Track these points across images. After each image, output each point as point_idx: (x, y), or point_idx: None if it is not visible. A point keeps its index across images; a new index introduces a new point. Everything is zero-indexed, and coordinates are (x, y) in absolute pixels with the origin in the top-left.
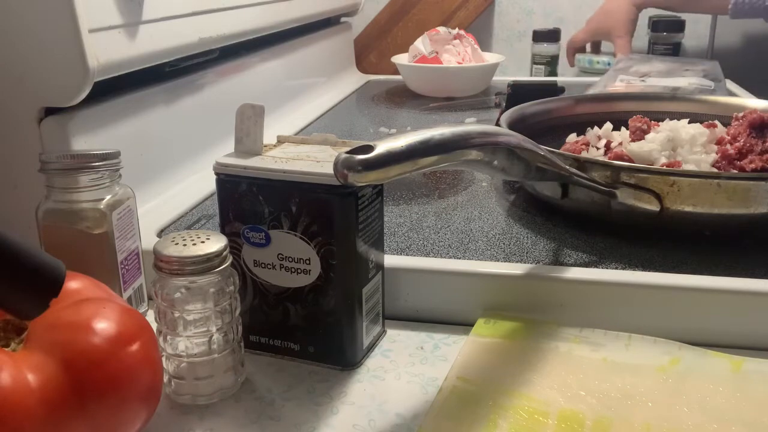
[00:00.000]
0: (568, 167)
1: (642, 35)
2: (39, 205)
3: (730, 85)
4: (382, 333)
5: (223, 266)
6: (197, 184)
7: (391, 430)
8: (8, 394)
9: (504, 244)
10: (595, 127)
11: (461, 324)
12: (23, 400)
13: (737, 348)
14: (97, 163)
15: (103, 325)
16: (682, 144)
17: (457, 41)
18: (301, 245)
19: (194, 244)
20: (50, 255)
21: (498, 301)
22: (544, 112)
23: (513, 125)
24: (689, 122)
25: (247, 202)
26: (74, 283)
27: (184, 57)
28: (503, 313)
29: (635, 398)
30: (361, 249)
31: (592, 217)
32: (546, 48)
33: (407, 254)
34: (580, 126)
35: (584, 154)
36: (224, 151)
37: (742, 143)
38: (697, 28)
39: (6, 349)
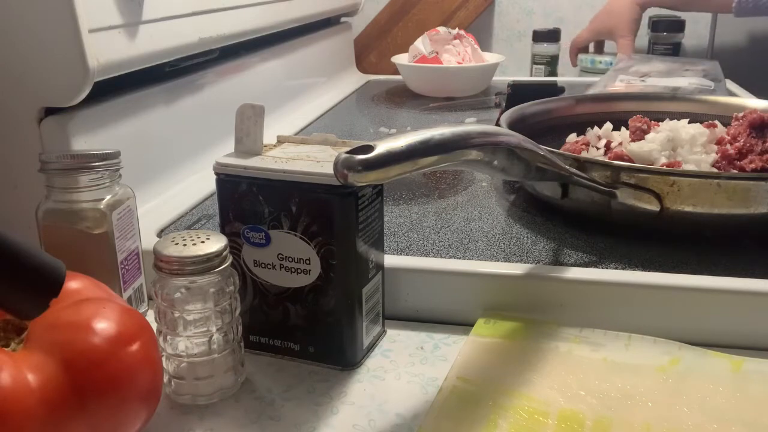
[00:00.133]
0: (568, 167)
1: (642, 35)
2: (39, 205)
3: (730, 85)
4: (382, 333)
5: (223, 266)
6: (197, 184)
7: (391, 430)
8: (8, 394)
9: (504, 244)
10: (595, 127)
11: (461, 324)
12: (23, 400)
13: (737, 348)
14: (97, 163)
15: (103, 325)
16: (682, 144)
17: (457, 41)
18: (301, 245)
19: (194, 244)
20: (50, 255)
21: (498, 301)
22: (544, 112)
23: (513, 125)
24: (689, 122)
25: (247, 202)
26: (74, 283)
27: (184, 57)
28: (503, 313)
29: (635, 398)
30: (361, 249)
31: (592, 217)
32: (546, 48)
33: (407, 254)
34: (580, 126)
35: (584, 154)
36: (224, 151)
37: (742, 143)
38: (697, 28)
39: (6, 349)
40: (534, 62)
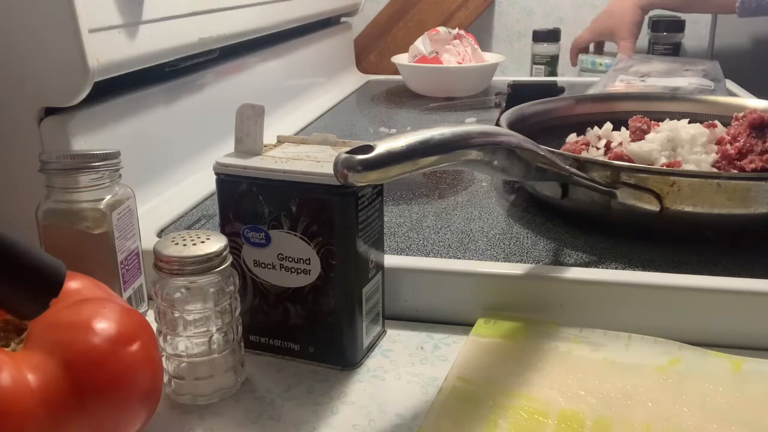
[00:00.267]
0: (568, 167)
1: (642, 35)
2: (39, 205)
3: (730, 85)
4: (382, 333)
5: (223, 266)
6: (197, 184)
7: (391, 430)
8: (8, 394)
9: (504, 244)
10: (595, 127)
11: (461, 324)
12: (23, 400)
13: (737, 348)
14: (97, 163)
15: (103, 325)
16: (682, 144)
17: (457, 41)
18: (301, 245)
19: (194, 244)
20: (50, 255)
21: (498, 301)
22: (544, 112)
23: (513, 125)
24: (689, 122)
25: (247, 202)
26: (74, 283)
27: (184, 57)
28: (503, 313)
29: (635, 398)
30: (361, 249)
31: (592, 217)
32: (546, 48)
33: (407, 254)
34: (580, 126)
35: (584, 154)
36: (224, 151)
37: (742, 143)
38: (697, 28)
39: (6, 349)
40: (534, 62)
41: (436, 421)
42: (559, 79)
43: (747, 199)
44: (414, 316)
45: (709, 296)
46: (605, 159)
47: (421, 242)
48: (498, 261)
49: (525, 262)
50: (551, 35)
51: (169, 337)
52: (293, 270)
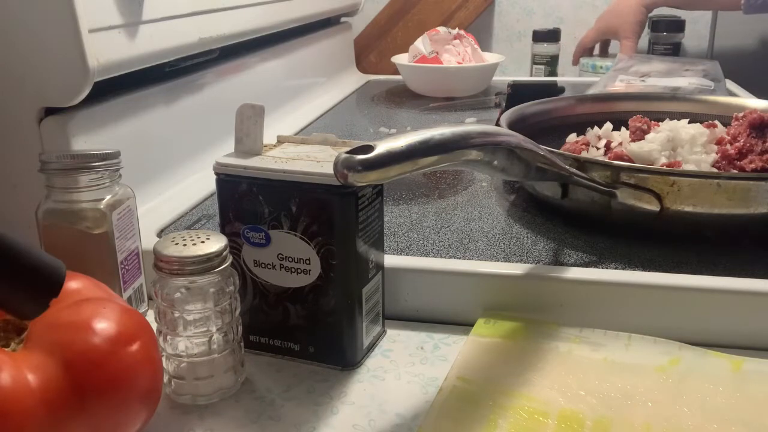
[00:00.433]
0: (568, 167)
1: (642, 35)
2: (39, 205)
3: (730, 85)
4: (382, 333)
5: (223, 266)
6: (197, 184)
7: (391, 430)
8: (8, 394)
9: (504, 244)
10: (595, 127)
11: (461, 324)
12: (23, 400)
13: (737, 348)
14: (97, 163)
15: (103, 325)
16: (682, 144)
17: (457, 41)
18: (301, 245)
19: (194, 244)
20: (50, 255)
21: (498, 301)
22: (544, 112)
23: (513, 125)
24: (689, 122)
25: (247, 202)
26: (74, 283)
27: (184, 57)
28: (503, 313)
29: (635, 398)
30: (361, 249)
31: (592, 217)
32: (546, 48)
33: (407, 254)
34: (580, 126)
35: (584, 154)
36: (224, 151)
37: (742, 143)
38: (697, 28)
39: (6, 349)
40: (534, 62)
41: (436, 421)
42: (559, 79)
43: (747, 199)
44: (414, 316)
45: (709, 296)
46: (605, 159)
47: (421, 242)
48: (498, 261)
49: (525, 262)
50: (551, 35)
51: (169, 337)
52: (293, 270)
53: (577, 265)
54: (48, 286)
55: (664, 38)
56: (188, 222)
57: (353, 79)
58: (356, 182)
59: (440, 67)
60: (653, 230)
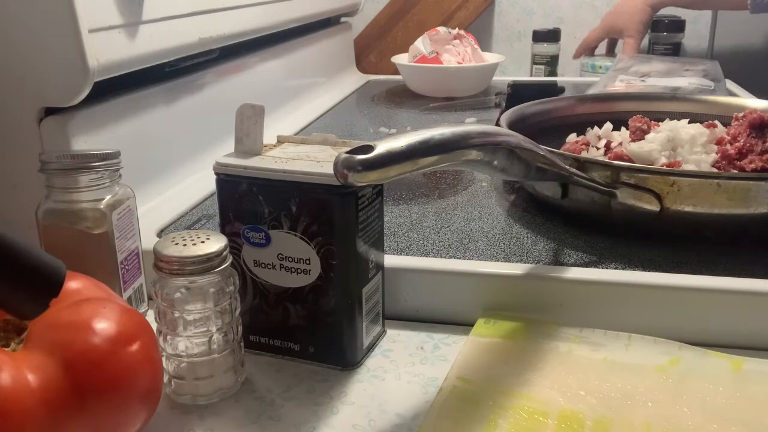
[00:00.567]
0: (568, 167)
1: None
2: (39, 205)
3: (730, 85)
4: (382, 333)
5: (223, 266)
6: (197, 184)
7: (391, 430)
8: (8, 394)
9: (504, 244)
10: (595, 127)
11: (461, 324)
12: (23, 400)
13: (737, 348)
14: (97, 163)
15: (103, 325)
16: (682, 144)
17: (457, 41)
18: (301, 245)
19: (194, 244)
20: (50, 255)
21: (498, 301)
22: (544, 112)
23: (513, 125)
24: (689, 122)
25: (247, 202)
26: (74, 283)
27: (184, 57)
28: (503, 313)
29: (635, 398)
30: (361, 249)
31: (592, 217)
32: (546, 48)
33: (407, 254)
34: (580, 126)
35: (584, 154)
36: (224, 151)
37: (742, 143)
38: (697, 28)
39: (6, 349)
40: (534, 62)
41: (436, 421)
42: (559, 79)
43: (747, 199)
44: (414, 316)
45: (709, 296)
46: (605, 159)
47: (421, 242)
48: (498, 261)
49: (525, 262)
50: (551, 35)
51: (169, 337)
52: (293, 270)
53: (577, 265)
54: (48, 286)
55: (664, 38)
56: (188, 222)
57: (353, 79)
58: (356, 182)
59: (440, 67)
60: (653, 230)
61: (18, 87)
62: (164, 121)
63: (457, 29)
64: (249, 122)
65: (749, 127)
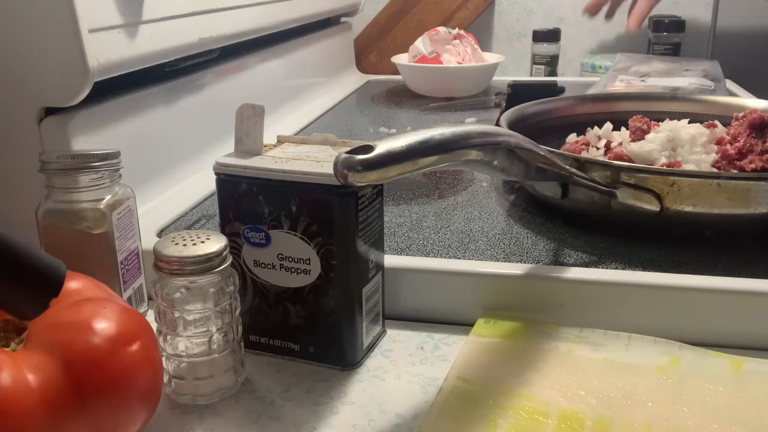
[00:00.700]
0: (568, 167)
1: (642, 35)
2: (39, 205)
3: (730, 85)
4: (382, 333)
5: (223, 266)
6: (197, 184)
7: (391, 430)
8: (8, 394)
9: (504, 244)
10: (595, 127)
11: (461, 324)
12: (23, 400)
13: (737, 348)
14: (97, 163)
15: (103, 325)
16: (682, 144)
17: (457, 41)
18: (301, 245)
19: (194, 244)
20: (50, 255)
21: (498, 301)
22: (544, 112)
23: (513, 125)
24: (689, 122)
25: (247, 202)
26: (74, 283)
27: (184, 57)
28: (503, 313)
29: (635, 398)
30: (361, 249)
31: (592, 217)
32: (546, 48)
33: (407, 254)
34: (580, 126)
35: (584, 154)
36: (224, 151)
37: (742, 143)
38: (697, 28)
39: (6, 349)
40: (534, 62)
41: (436, 421)
42: (559, 79)
43: (747, 199)
44: (414, 316)
45: (709, 296)
46: (605, 159)
47: (421, 242)
48: (498, 261)
49: (525, 262)
50: (551, 35)
51: (169, 337)
52: (293, 270)
53: (577, 265)
54: (48, 286)
55: (664, 38)
56: (188, 222)
57: (353, 79)
58: (356, 182)
59: (440, 67)
60: (653, 230)
61: (18, 87)
62: (164, 121)
63: (457, 29)
64: (249, 122)
65: (749, 127)
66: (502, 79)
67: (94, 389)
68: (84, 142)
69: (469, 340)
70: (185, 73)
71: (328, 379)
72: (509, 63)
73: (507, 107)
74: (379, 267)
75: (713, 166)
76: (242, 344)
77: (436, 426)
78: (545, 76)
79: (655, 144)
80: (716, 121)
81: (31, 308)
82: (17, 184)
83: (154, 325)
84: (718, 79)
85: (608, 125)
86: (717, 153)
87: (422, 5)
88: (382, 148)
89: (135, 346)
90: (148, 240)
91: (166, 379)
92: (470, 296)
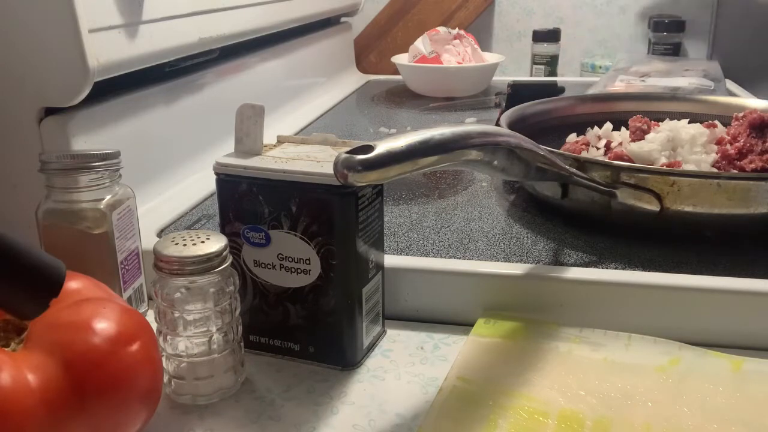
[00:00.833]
0: (568, 167)
1: (642, 35)
2: (39, 205)
3: (730, 85)
4: (382, 333)
5: (223, 266)
6: (197, 184)
7: (391, 430)
8: (8, 394)
9: (504, 244)
10: (595, 127)
11: (461, 324)
12: (23, 400)
13: (737, 348)
14: (97, 163)
15: (103, 325)
16: (682, 144)
17: (457, 41)
18: (301, 245)
19: (194, 244)
20: (50, 255)
21: (498, 301)
22: (544, 112)
23: (513, 125)
24: (689, 122)
25: (247, 202)
26: (74, 283)
27: (184, 57)
28: (503, 313)
29: (635, 398)
30: (361, 249)
31: (592, 217)
32: (546, 48)
33: (407, 254)
34: (580, 126)
35: (584, 154)
36: (224, 151)
37: (742, 143)
38: (697, 28)
39: (6, 349)
40: (534, 62)
41: (436, 421)
42: (559, 79)
43: (747, 199)
44: (414, 316)
45: (709, 296)
46: (605, 159)
47: (421, 242)
48: (498, 261)
49: (525, 262)
50: (551, 35)
51: (169, 337)
52: (293, 270)
53: (577, 265)
54: (48, 286)
55: (664, 38)
56: (188, 222)
57: (353, 79)
58: (356, 182)
59: (440, 67)
60: (653, 230)
61: (18, 87)
62: (164, 121)
63: (457, 29)
64: (249, 122)
65: (749, 127)
66: (502, 79)
67: (94, 389)
68: (84, 142)
69: (469, 340)
70: (185, 73)
71: (328, 379)
72: (509, 63)
73: (507, 107)
74: (379, 267)
75: (713, 166)
76: (242, 344)
77: (436, 426)
78: (545, 76)
79: (655, 144)
80: (716, 121)
81: (31, 308)
82: (17, 184)
83: (154, 325)
84: (718, 79)
85: (608, 125)
86: (717, 153)
87: (422, 5)
88: (382, 148)
89: (135, 346)
90: (148, 240)
91: (166, 379)
92: (470, 296)
